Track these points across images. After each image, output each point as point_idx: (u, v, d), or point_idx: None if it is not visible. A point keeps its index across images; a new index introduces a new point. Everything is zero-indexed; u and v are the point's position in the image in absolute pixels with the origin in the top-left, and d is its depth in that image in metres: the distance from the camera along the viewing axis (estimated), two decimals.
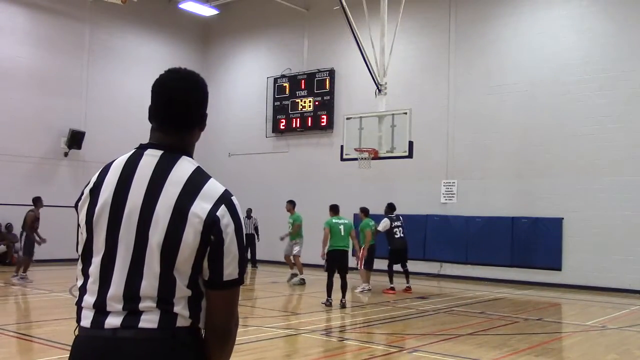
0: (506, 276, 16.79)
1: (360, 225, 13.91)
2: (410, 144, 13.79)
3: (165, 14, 22.79)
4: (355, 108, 17.23)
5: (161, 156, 1.93)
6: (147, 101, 2.02)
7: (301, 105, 21.39)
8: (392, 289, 13.78)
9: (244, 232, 1.95)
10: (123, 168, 1.93)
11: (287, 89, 21.77)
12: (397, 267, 14.13)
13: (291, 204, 15.59)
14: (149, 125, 2.01)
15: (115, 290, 1.83)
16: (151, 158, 1.93)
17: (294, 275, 15.47)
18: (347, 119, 15.14)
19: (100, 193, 1.91)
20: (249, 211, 19.14)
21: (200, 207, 1.84)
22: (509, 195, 17.01)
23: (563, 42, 16.51)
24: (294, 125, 21.52)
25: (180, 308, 1.84)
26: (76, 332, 1.90)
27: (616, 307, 12.71)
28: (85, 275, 1.91)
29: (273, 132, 22.11)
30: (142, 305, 1.82)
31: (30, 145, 19.06)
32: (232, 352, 2.01)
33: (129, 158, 1.96)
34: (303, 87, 21.37)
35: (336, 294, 11.56)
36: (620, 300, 13.74)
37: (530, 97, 16.86)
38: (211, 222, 1.84)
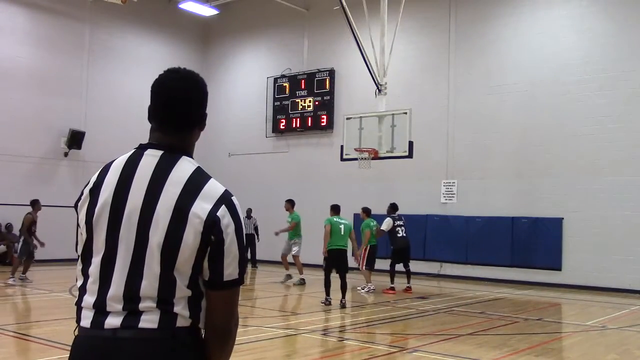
0: (506, 276, 16.79)
1: (362, 225, 13.93)
2: (410, 144, 13.79)
3: (165, 14, 22.79)
4: (355, 108, 17.22)
5: (161, 156, 1.93)
6: (147, 101, 2.02)
7: (301, 105, 21.39)
8: (392, 289, 13.79)
9: (244, 232, 1.95)
10: (123, 168, 1.93)
11: (287, 89, 21.76)
12: (398, 267, 14.11)
13: (290, 203, 15.59)
14: (149, 125, 2.01)
15: (115, 290, 1.83)
16: (151, 158, 1.93)
17: (288, 276, 15.47)
18: (347, 119, 15.14)
19: (100, 193, 1.91)
20: (249, 211, 19.15)
21: (201, 208, 1.84)
22: (509, 195, 17.01)
23: (563, 42, 16.51)
24: (294, 125, 21.51)
25: (180, 308, 1.84)
26: (76, 332, 1.90)
27: (616, 307, 12.70)
28: (85, 276, 1.91)
29: (273, 132, 22.11)
30: (142, 305, 1.82)
31: (30, 145, 19.06)
32: (232, 352, 2.01)
33: (129, 158, 1.96)
34: (303, 87, 21.36)
35: (336, 294, 11.56)
36: (620, 300, 13.74)
37: (530, 97, 16.85)
38: (211, 223, 1.84)
